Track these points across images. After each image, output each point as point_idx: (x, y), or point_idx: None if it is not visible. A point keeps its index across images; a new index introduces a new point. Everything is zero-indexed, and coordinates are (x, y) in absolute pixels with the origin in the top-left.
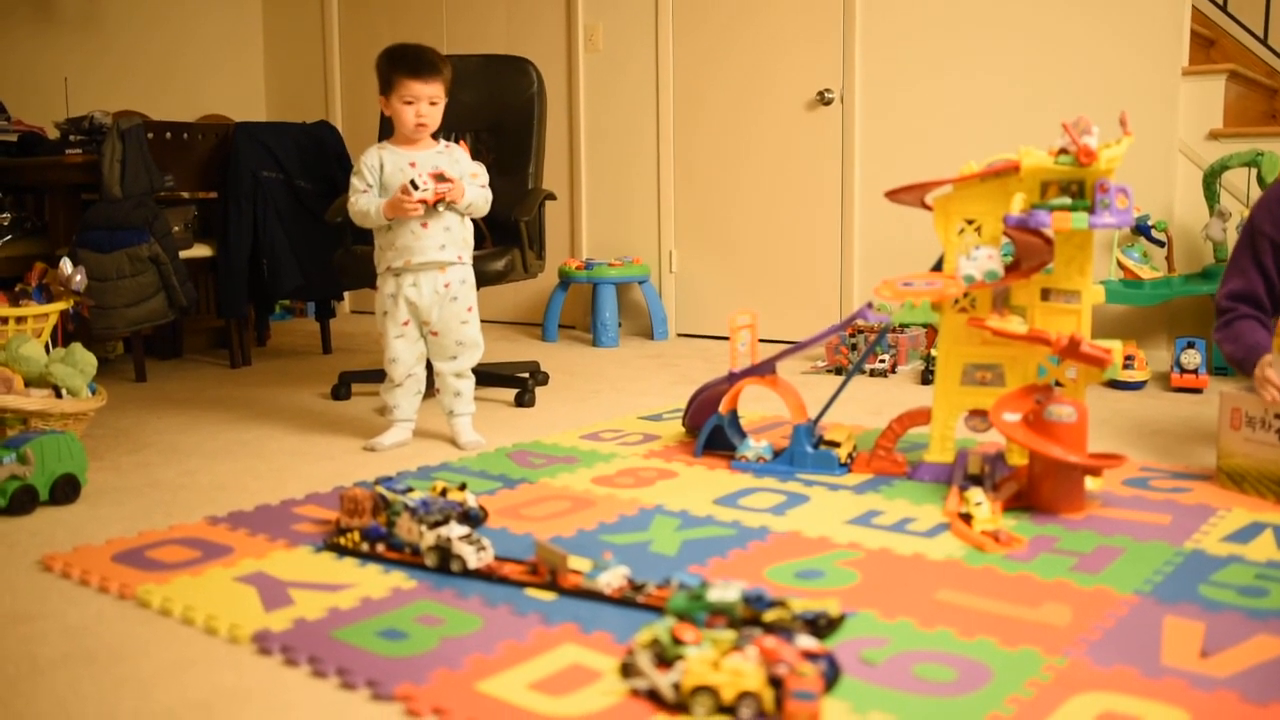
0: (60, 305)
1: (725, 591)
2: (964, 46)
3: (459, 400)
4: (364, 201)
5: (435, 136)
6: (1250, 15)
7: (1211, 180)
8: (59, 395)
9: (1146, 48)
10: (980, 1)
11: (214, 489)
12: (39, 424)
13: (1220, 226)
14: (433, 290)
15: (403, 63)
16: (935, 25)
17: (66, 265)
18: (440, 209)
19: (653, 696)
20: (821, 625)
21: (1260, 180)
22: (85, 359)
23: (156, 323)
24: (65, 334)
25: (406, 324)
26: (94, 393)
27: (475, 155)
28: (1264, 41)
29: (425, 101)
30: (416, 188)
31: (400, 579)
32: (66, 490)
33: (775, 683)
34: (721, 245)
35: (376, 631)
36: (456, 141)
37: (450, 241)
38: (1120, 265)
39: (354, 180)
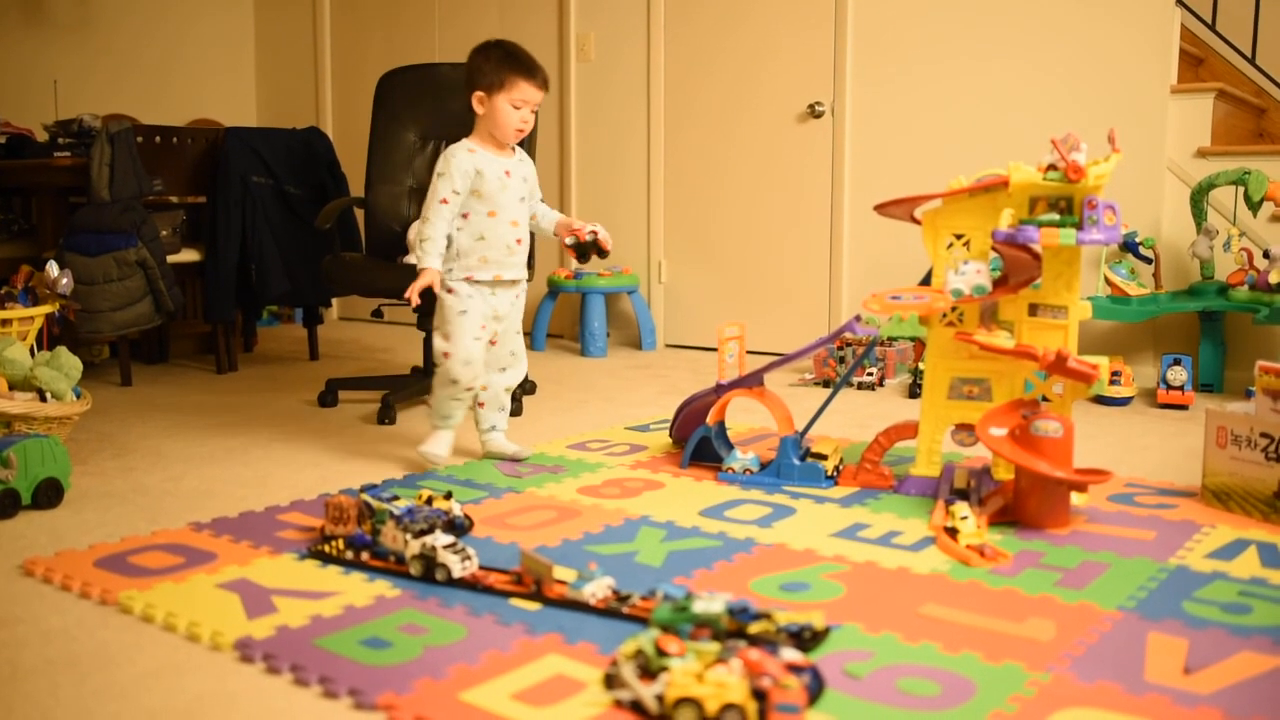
0: (46, 308)
1: (710, 603)
2: (955, 62)
3: (504, 415)
4: (440, 229)
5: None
6: (1238, 34)
7: (1199, 198)
8: (43, 399)
9: (1135, 66)
10: (971, 18)
11: (198, 495)
12: (22, 428)
13: (1207, 244)
14: (508, 301)
15: (519, 63)
16: (926, 41)
17: (53, 268)
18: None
19: (636, 708)
20: (806, 638)
21: (1247, 198)
22: (70, 363)
23: (143, 327)
24: (51, 337)
25: (484, 327)
26: (79, 397)
27: None
28: (1252, 61)
29: (531, 108)
30: (601, 253)
31: (384, 587)
32: (49, 494)
33: (759, 695)
34: (711, 256)
35: (360, 640)
36: None
37: (525, 255)
38: (1108, 281)
39: (439, 183)
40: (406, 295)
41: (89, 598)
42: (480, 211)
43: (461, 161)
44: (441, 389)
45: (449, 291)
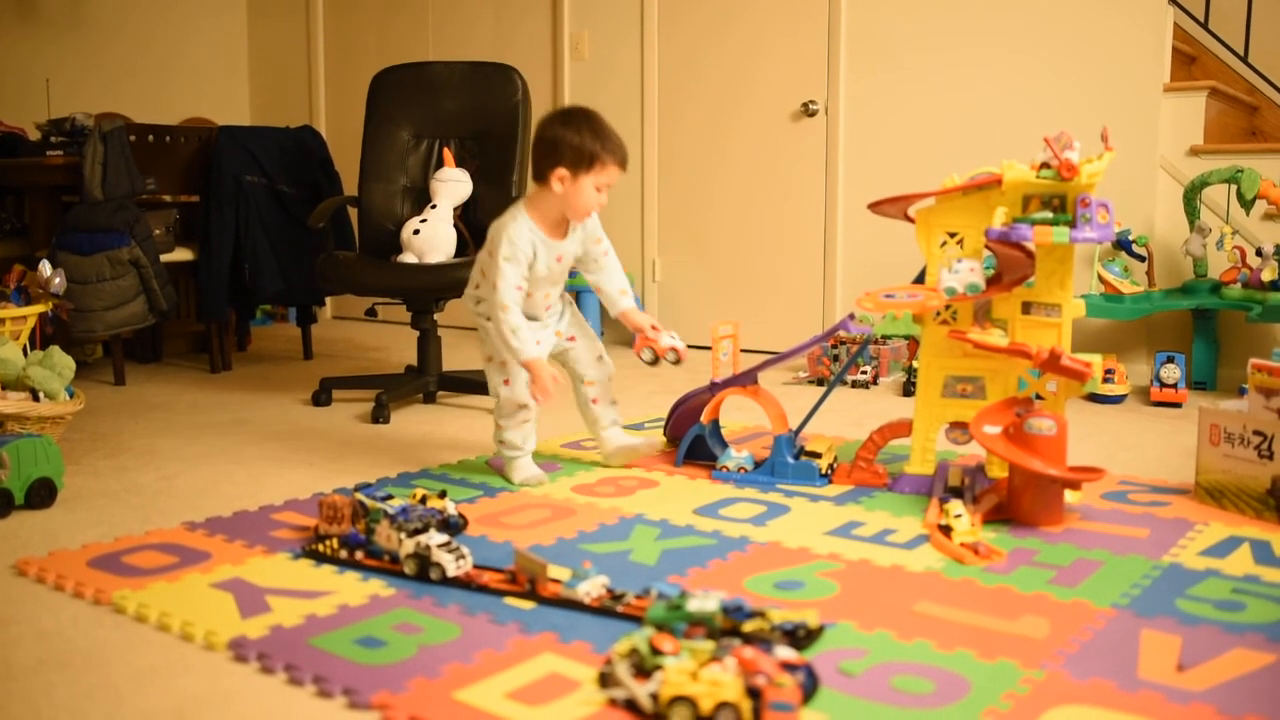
0: (39, 308)
1: (704, 602)
2: (948, 61)
3: (616, 408)
4: (521, 314)
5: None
6: (1231, 33)
7: (1192, 196)
8: (36, 398)
9: (1129, 64)
10: (965, 17)
11: (192, 494)
12: (15, 427)
13: (1200, 242)
14: (553, 323)
15: (611, 144)
16: (920, 40)
17: (46, 267)
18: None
19: (631, 706)
20: (800, 636)
21: (1240, 196)
22: (63, 362)
23: (136, 326)
24: (44, 337)
25: (539, 344)
26: (72, 396)
27: (459, 162)
28: (1244, 59)
29: (607, 189)
30: (667, 357)
31: (379, 586)
32: (42, 494)
33: (753, 693)
34: (705, 255)
35: (354, 639)
36: (440, 150)
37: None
38: (1101, 279)
39: (507, 267)
40: (534, 395)
41: (82, 598)
42: (496, 306)
43: (521, 239)
44: (508, 418)
45: (488, 319)
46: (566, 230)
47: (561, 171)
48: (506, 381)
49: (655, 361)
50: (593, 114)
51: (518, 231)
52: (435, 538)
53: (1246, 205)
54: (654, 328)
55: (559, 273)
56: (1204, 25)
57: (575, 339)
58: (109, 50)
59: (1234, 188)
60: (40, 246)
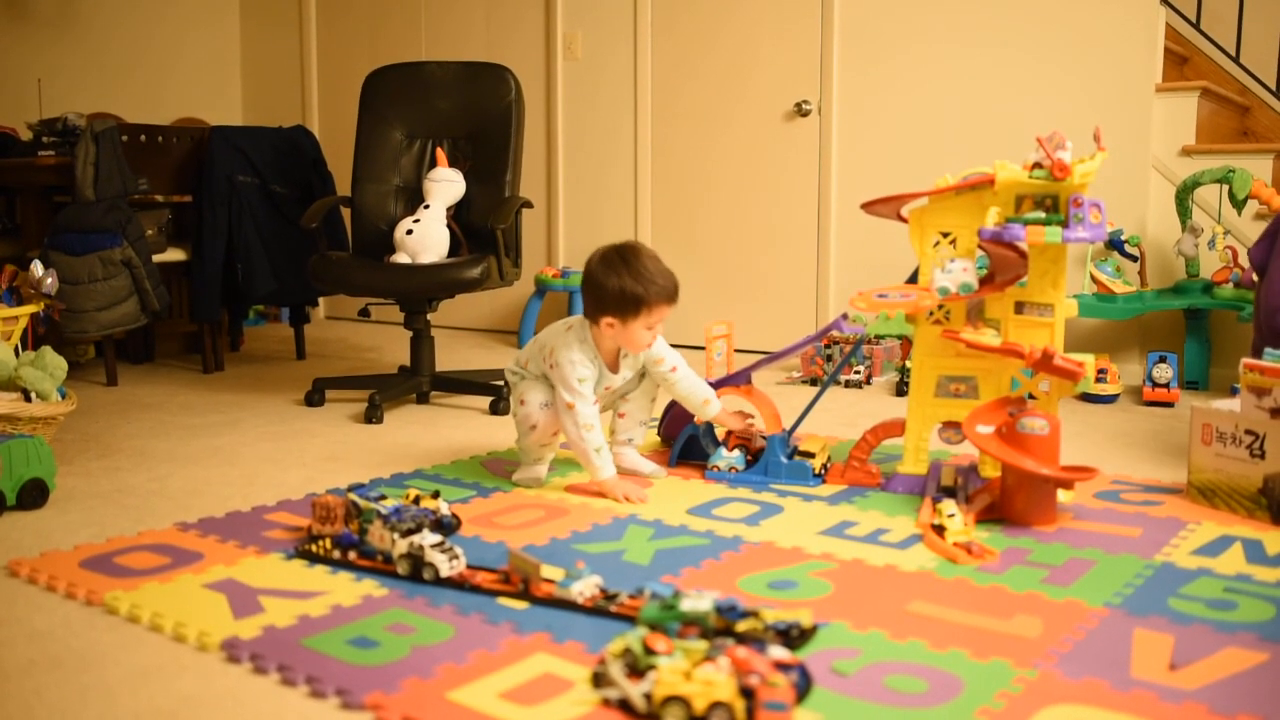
0: (30, 308)
1: (698, 601)
2: (941, 61)
3: (643, 430)
4: (600, 442)
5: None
6: (1223, 33)
7: (1184, 196)
8: (28, 399)
9: (1121, 64)
10: (958, 17)
11: (185, 495)
12: (7, 428)
13: (1192, 242)
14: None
15: (655, 290)
16: (912, 39)
17: (37, 268)
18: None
19: (624, 706)
20: (794, 636)
21: (1231, 197)
22: (55, 363)
23: (128, 327)
24: (35, 337)
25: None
26: (64, 397)
27: (452, 162)
28: (1236, 60)
29: (661, 323)
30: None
31: (372, 587)
32: (34, 495)
33: (747, 693)
34: (698, 255)
35: (347, 640)
36: (433, 150)
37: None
38: (1093, 279)
39: (585, 389)
40: (625, 500)
41: (74, 598)
42: (561, 404)
43: (584, 368)
44: (525, 436)
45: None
46: (618, 360)
47: (609, 319)
48: (523, 402)
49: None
50: (632, 253)
51: (581, 355)
52: (428, 538)
53: (1238, 205)
54: (745, 416)
55: (605, 401)
56: (1196, 25)
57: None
58: (101, 50)
59: (1226, 188)
60: (32, 247)
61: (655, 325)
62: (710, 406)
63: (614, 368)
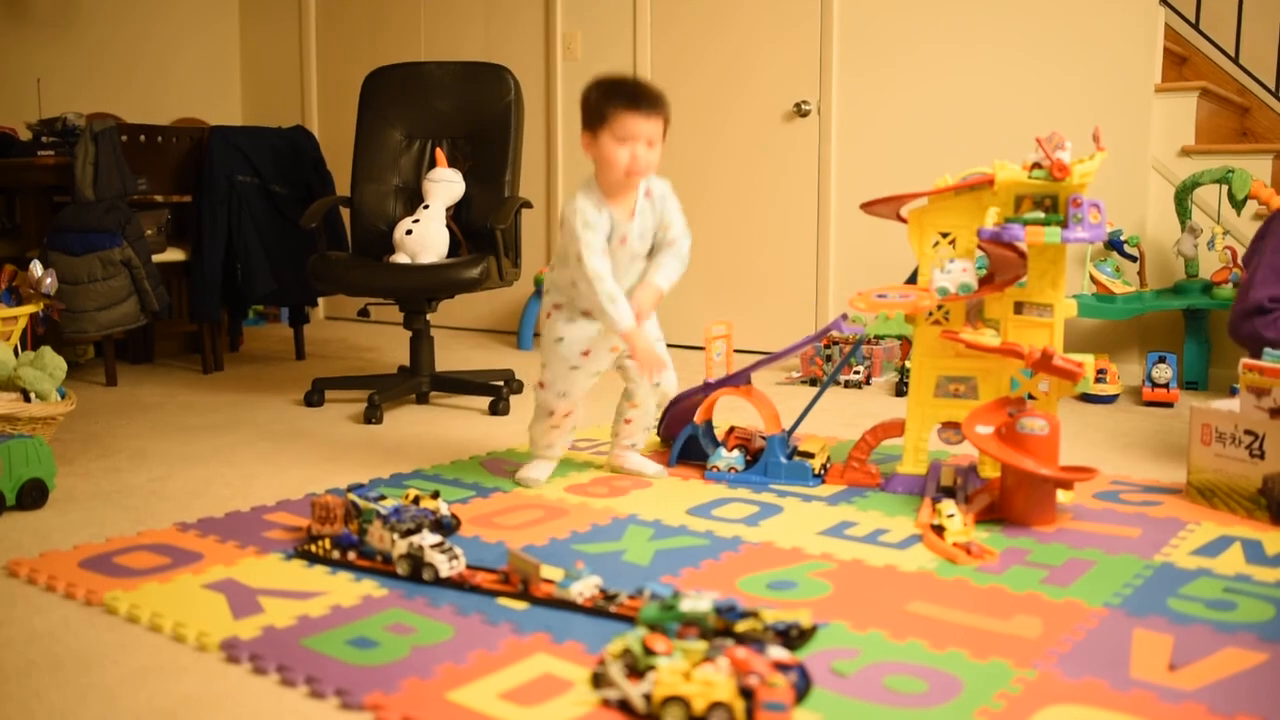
0: (30, 308)
1: (697, 602)
2: (940, 61)
3: (647, 433)
4: (614, 289)
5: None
6: (1222, 34)
7: (1183, 196)
8: (27, 399)
9: (1120, 64)
10: (957, 17)
11: (184, 495)
12: (6, 428)
13: (1192, 242)
14: (607, 350)
15: (619, 94)
16: (912, 39)
17: (37, 268)
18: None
19: (624, 707)
20: (793, 636)
21: (1231, 197)
22: (55, 363)
23: (128, 327)
24: (35, 337)
25: (586, 354)
26: (63, 397)
27: (452, 163)
28: (1235, 60)
29: (643, 142)
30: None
31: (371, 587)
32: (34, 495)
33: (746, 694)
34: (698, 255)
35: (347, 640)
36: (432, 150)
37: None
38: (1093, 279)
39: (590, 236)
40: (646, 369)
41: (74, 599)
42: (572, 259)
43: (596, 215)
44: (539, 420)
45: (548, 315)
46: (634, 211)
47: (584, 138)
48: (542, 385)
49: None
50: (616, 75)
51: (585, 201)
52: (428, 538)
53: (1238, 205)
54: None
55: (626, 256)
56: (1195, 26)
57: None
58: (100, 50)
59: (1225, 188)
60: (31, 247)
61: (630, 141)
62: (646, 289)
63: (630, 215)
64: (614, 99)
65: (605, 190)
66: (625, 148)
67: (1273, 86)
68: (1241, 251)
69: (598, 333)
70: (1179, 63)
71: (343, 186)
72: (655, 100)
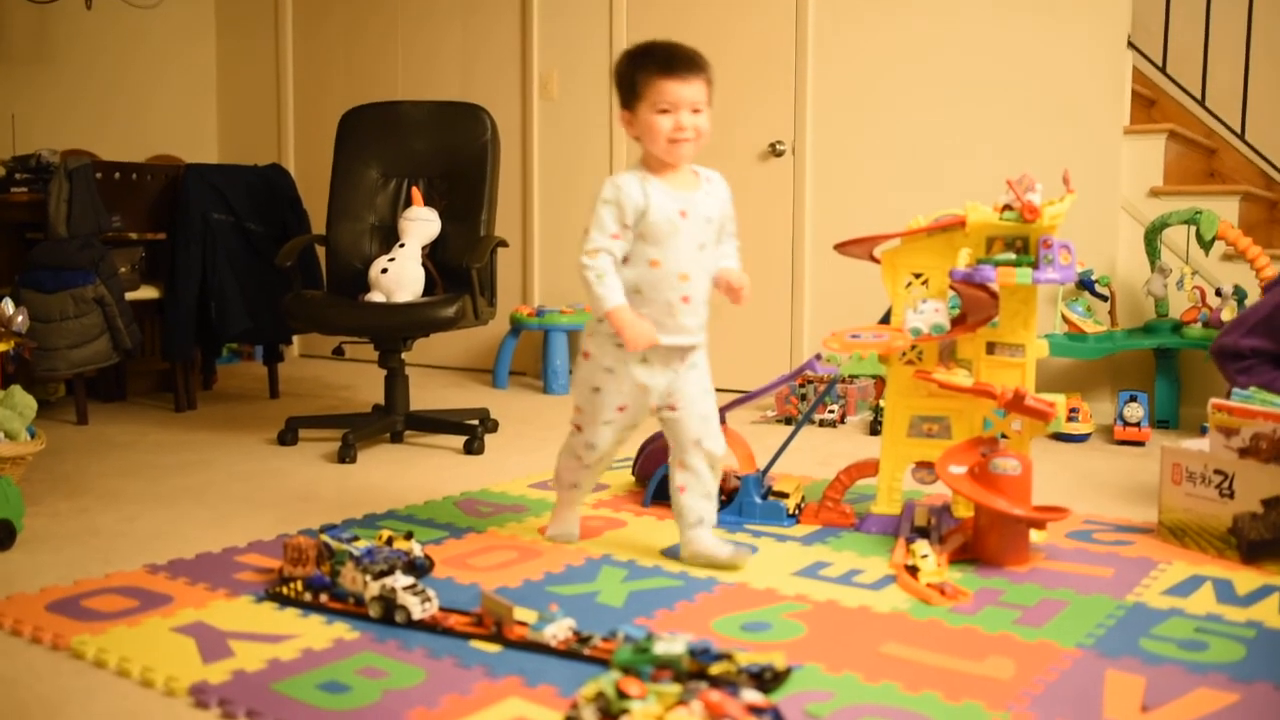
0: (1, 346)
1: (671, 644)
2: (913, 104)
3: (712, 506)
4: (609, 261)
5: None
6: (1189, 77)
7: (1153, 237)
8: None
9: (1089, 107)
10: (930, 61)
11: (154, 536)
12: None
13: (1161, 282)
14: (667, 367)
15: (650, 60)
16: (885, 82)
17: (8, 305)
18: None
19: None
20: (767, 679)
21: (1199, 237)
22: (25, 402)
23: (100, 365)
24: (5, 376)
25: (623, 409)
26: (33, 436)
27: (428, 201)
28: (1201, 103)
29: (687, 109)
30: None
31: (343, 630)
32: (1, 536)
33: None
34: None
35: (317, 684)
36: (408, 189)
37: (703, 312)
38: (1064, 319)
39: (605, 212)
40: (634, 349)
41: (40, 643)
42: (642, 259)
43: (629, 188)
44: (568, 457)
45: (585, 356)
46: (698, 185)
47: (624, 117)
48: (578, 428)
49: None
50: (646, 43)
51: (621, 179)
52: (401, 580)
53: (1206, 246)
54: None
55: (688, 240)
56: (1162, 70)
57: (677, 408)
58: (75, 86)
59: (1193, 229)
60: (3, 284)
61: (673, 110)
62: (727, 270)
63: (693, 186)
64: (645, 67)
65: (652, 167)
66: (667, 117)
67: (1238, 129)
68: (1210, 291)
69: (639, 382)
70: (1147, 105)
71: (318, 225)
72: (692, 61)
